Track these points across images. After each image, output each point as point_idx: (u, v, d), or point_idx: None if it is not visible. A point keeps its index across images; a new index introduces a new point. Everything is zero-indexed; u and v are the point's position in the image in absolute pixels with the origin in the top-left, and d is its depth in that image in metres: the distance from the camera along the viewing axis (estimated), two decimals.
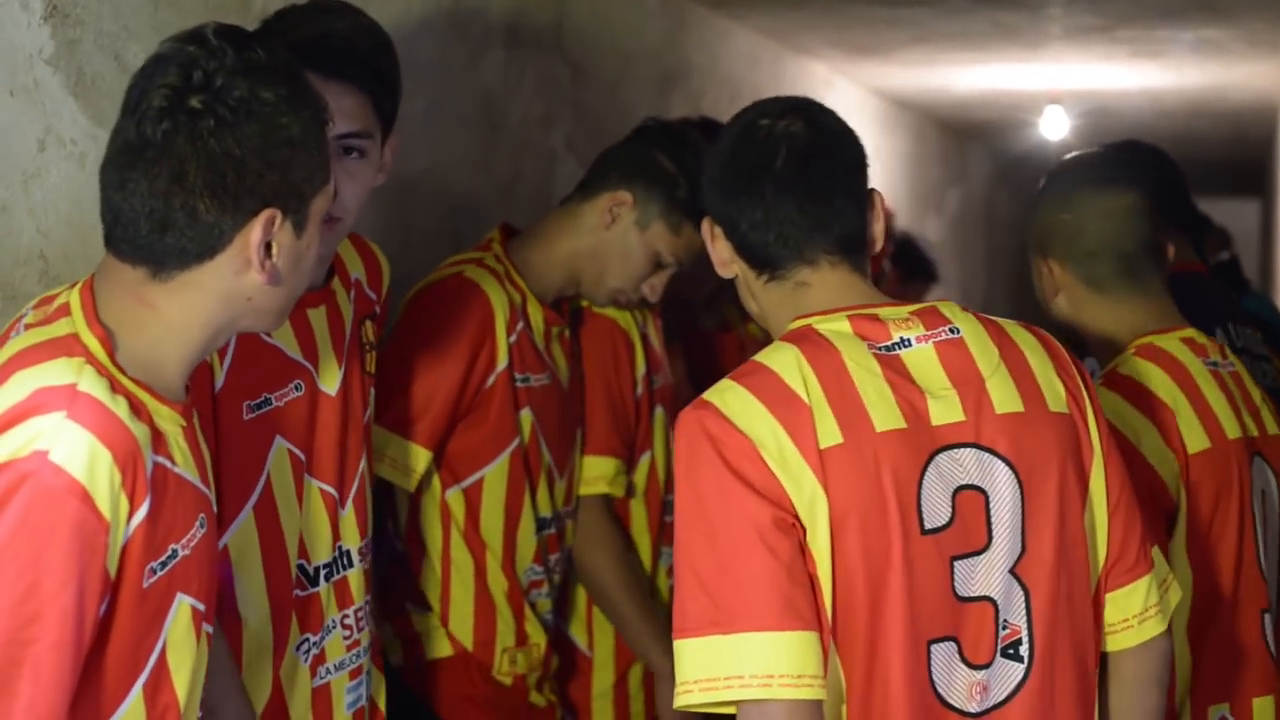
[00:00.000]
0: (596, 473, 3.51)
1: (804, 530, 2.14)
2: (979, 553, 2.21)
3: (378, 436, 3.00)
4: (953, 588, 2.19)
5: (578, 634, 3.58)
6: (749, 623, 2.10)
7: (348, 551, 2.67)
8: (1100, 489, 2.33)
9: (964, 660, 2.19)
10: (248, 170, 1.98)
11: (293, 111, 2.01)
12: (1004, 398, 2.26)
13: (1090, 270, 2.95)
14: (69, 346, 1.97)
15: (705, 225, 2.42)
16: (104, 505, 1.88)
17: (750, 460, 2.15)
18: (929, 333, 2.28)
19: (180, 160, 1.97)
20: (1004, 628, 2.21)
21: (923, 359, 2.26)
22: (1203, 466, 2.82)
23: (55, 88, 2.75)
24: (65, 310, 2.03)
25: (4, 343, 2.04)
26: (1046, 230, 3.01)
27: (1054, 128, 9.23)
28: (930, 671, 2.18)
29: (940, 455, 2.21)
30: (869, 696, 2.16)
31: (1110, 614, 2.36)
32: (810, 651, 2.10)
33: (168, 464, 1.99)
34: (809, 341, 2.25)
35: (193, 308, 2.03)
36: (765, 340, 2.40)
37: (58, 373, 1.92)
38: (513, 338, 3.25)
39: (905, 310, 2.30)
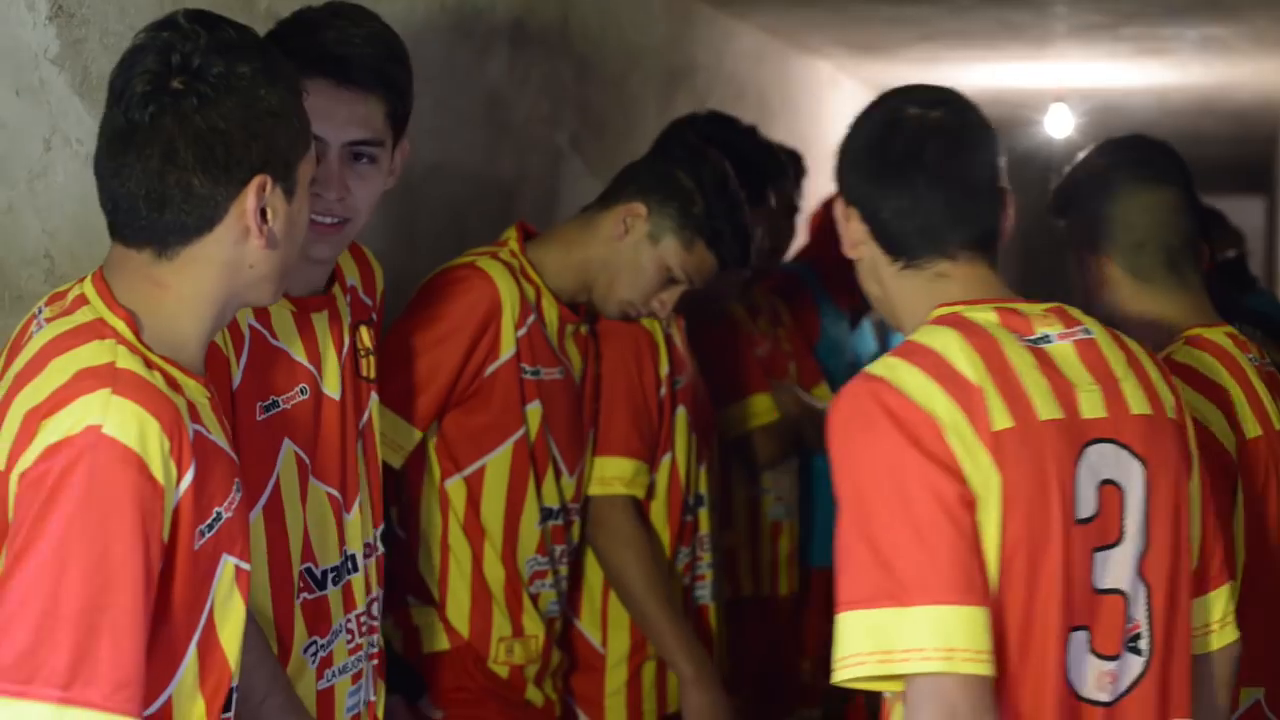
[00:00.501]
0: (614, 473, 3.51)
1: (977, 509, 2.16)
2: (1113, 546, 2.25)
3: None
4: (1091, 579, 2.22)
5: (591, 630, 3.58)
6: (931, 596, 2.10)
7: (353, 555, 2.68)
8: (1196, 497, 2.38)
9: (1093, 651, 2.23)
10: (234, 141, 2.08)
11: (269, 84, 2.11)
12: (1136, 400, 2.31)
13: (1137, 261, 2.96)
14: (98, 330, 2.06)
15: (839, 205, 2.42)
16: (158, 471, 1.97)
17: (932, 436, 2.15)
18: (1067, 330, 2.32)
19: (169, 139, 2.06)
20: (1129, 621, 2.25)
21: (1064, 355, 2.29)
22: (1255, 453, 2.86)
23: (61, 87, 2.75)
24: (82, 300, 2.12)
25: (25, 339, 2.13)
26: (1090, 224, 3.01)
27: (1059, 126, 9.22)
28: (1066, 659, 2.21)
29: (1090, 448, 2.24)
30: (1020, 679, 2.19)
31: (1194, 618, 2.40)
32: (986, 628, 2.11)
33: (205, 431, 2.09)
34: (964, 327, 2.26)
35: (200, 280, 2.12)
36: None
37: (93, 354, 2.02)
38: (522, 330, 3.25)
39: (1041, 307, 2.33)
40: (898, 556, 2.11)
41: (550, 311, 3.32)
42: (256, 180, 2.10)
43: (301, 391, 2.62)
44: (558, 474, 3.35)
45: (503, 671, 3.30)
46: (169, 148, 2.06)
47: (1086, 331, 2.33)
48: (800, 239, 5.56)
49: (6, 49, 2.64)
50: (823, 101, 7.99)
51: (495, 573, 3.28)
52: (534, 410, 3.28)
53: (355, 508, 2.68)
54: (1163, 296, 2.97)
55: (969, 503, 2.14)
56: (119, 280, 2.12)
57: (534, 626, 3.33)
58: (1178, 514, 2.31)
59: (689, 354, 3.80)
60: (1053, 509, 2.19)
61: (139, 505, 1.94)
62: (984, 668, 2.10)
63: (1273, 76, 8.23)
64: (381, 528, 2.77)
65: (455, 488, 3.26)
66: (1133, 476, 2.27)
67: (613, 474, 3.51)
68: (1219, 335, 2.94)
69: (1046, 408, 2.22)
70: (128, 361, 2.02)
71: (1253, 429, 2.87)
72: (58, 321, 2.10)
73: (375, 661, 2.74)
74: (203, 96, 2.06)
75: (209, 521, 2.06)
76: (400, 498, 3.30)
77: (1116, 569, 2.25)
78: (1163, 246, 2.96)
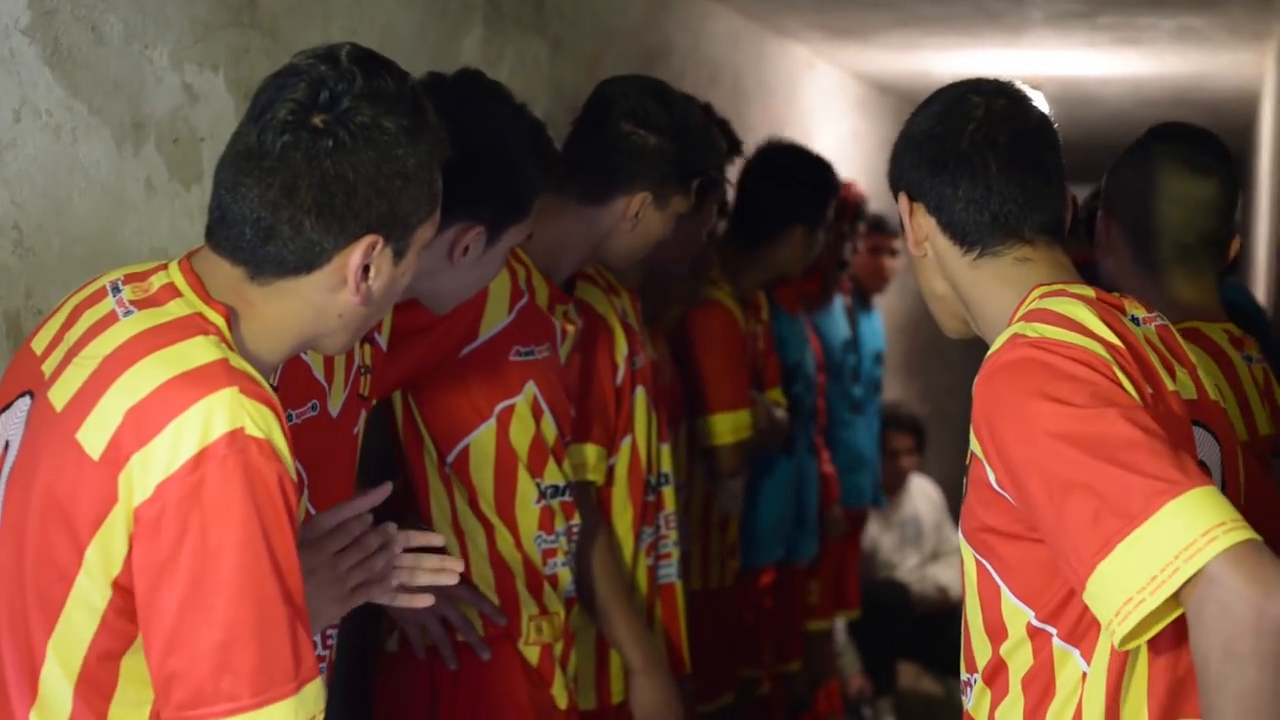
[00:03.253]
0: (580, 459, 3.50)
1: None
2: None
3: None
4: None
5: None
6: (1161, 497, 2.00)
7: None
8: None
9: None
10: (357, 196, 2.05)
11: (411, 143, 2.08)
12: (1210, 385, 2.33)
13: (1142, 247, 2.94)
14: (199, 325, 2.04)
15: (902, 201, 2.39)
16: (290, 468, 2.01)
17: (1107, 370, 2.11)
18: (1149, 315, 2.32)
19: (295, 175, 2.04)
20: None
21: (1155, 336, 2.29)
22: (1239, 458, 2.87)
23: (31, 58, 2.74)
24: (174, 291, 2.09)
25: (102, 317, 2.08)
26: (1119, 190, 2.99)
27: None
28: None
29: (1195, 428, 2.24)
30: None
31: None
32: (1226, 501, 2.02)
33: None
34: (1082, 299, 2.23)
35: (286, 313, 2.11)
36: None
37: (203, 351, 2.01)
38: (511, 315, 3.22)
39: (1116, 293, 2.32)
40: (1110, 483, 2.02)
41: (541, 291, 3.30)
42: (368, 239, 2.08)
43: (312, 408, 2.62)
44: (558, 454, 3.32)
45: (533, 655, 3.27)
46: (291, 183, 2.04)
47: (1161, 317, 2.34)
48: None
49: None
50: (799, 86, 7.98)
51: (511, 553, 3.25)
52: (529, 389, 3.25)
53: None
54: (1161, 285, 2.95)
55: (1153, 418, 2.09)
56: (208, 275, 2.10)
57: (554, 604, 3.30)
58: (1239, 499, 2.32)
59: (648, 335, 3.80)
60: None
61: (288, 498, 1.98)
62: (1252, 532, 1.99)
63: (1248, 68, 8.24)
64: None
65: (451, 471, 3.23)
66: (1215, 459, 2.28)
67: (579, 460, 3.50)
68: (1216, 332, 2.93)
69: (1168, 380, 2.22)
70: (237, 360, 2.02)
71: (1240, 432, 2.86)
72: (149, 312, 2.06)
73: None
74: (339, 142, 2.04)
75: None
76: (406, 481, 3.27)
77: None
78: (1174, 242, 2.94)
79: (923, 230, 2.37)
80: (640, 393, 3.65)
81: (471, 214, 2.77)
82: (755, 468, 5.07)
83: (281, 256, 2.07)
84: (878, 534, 7.80)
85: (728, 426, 4.65)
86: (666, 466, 3.76)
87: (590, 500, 3.52)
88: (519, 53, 4.75)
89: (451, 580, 2.41)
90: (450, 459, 3.22)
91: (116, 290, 2.12)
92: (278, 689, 1.94)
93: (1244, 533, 1.98)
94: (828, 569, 6.09)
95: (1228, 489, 2.30)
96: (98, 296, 2.14)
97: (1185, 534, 1.97)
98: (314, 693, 1.98)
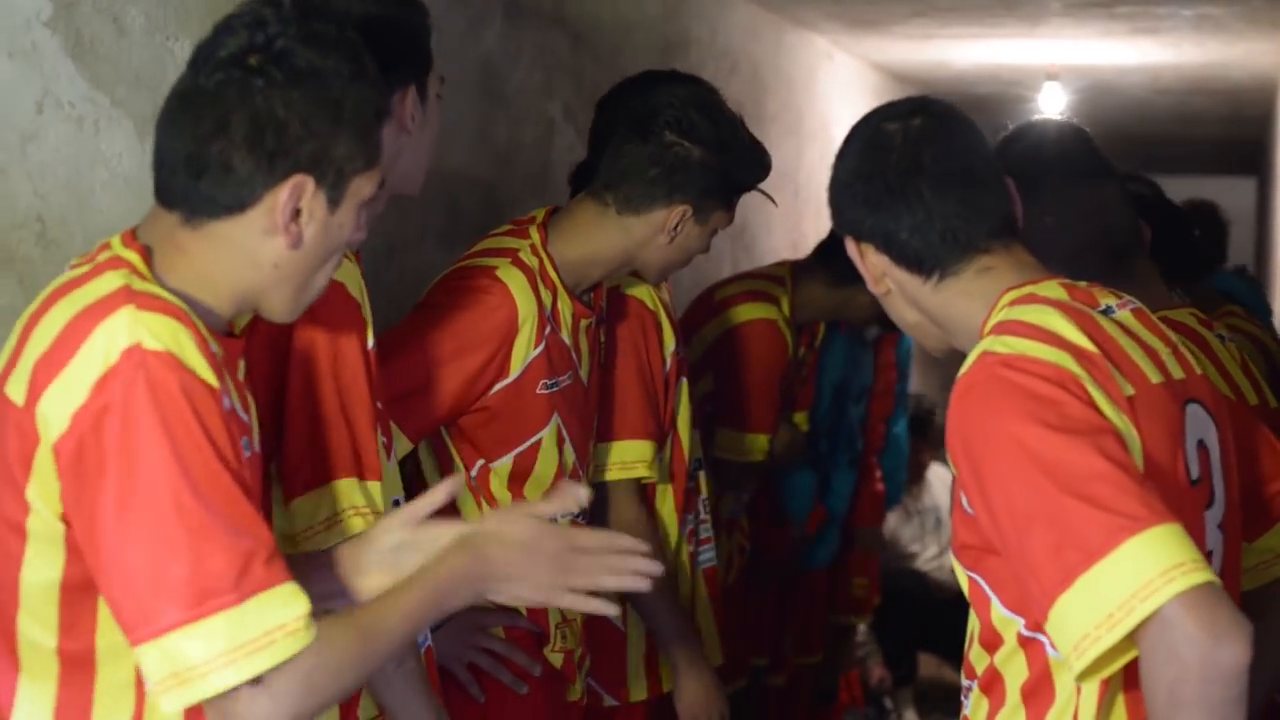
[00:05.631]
0: (635, 456, 3.47)
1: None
2: (1210, 507, 2.24)
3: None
4: (1206, 542, 2.18)
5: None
6: (1123, 532, 1.97)
7: None
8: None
9: None
10: (288, 133, 2.03)
11: (346, 87, 2.06)
12: (1195, 362, 2.31)
13: (1077, 270, 2.89)
14: (112, 264, 2.03)
15: (850, 245, 2.36)
16: (206, 375, 1.96)
17: (1080, 392, 2.09)
18: (1121, 301, 2.30)
19: (226, 110, 2.02)
20: None
21: (1131, 323, 2.27)
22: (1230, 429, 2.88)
23: (53, 50, 2.75)
24: (105, 247, 2.09)
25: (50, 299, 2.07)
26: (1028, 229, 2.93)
27: (1052, 103, 9.22)
28: None
29: (1188, 408, 2.22)
30: None
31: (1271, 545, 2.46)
32: (1188, 541, 1.99)
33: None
34: (1050, 302, 2.21)
35: (219, 260, 2.07)
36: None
37: (107, 284, 2.00)
38: (539, 348, 3.18)
39: (1084, 282, 2.30)
40: (1072, 516, 2.01)
41: (565, 312, 3.25)
42: (296, 178, 2.04)
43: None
44: (576, 479, 3.29)
45: (557, 660, 3.27)
46: (223, 119, 2.02)
47: (1134, 300, 2.32)
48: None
49: None
50: (817, 76, 7.98)
51: None
52: (553, 422, 3.23)
53: None
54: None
55: (1124, 446, 2.07)
56: (145, 230, 2.09)
57: (573, 612, 3.30)
58: (1235, 469, 2.31)
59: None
60: (1180, 474, 2.16)
61: (197, 405, 1.93)
62: (1210, 574, 1.97)
63: (1266, 57, 8.23)
64: None
65: (480, 477, 3.21)
66: (1212, 435, 2.26)
67: (634, 457, 3.47)
68: (1183, 315, 2.91)
69: (1151, 372, 2.19)
70: (143, 285, 2.00)
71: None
72: (75, 271, 2.07)
73: None
74: (271, 79, 2.02)
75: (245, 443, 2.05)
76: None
77: (1211, 529, 2.23)
78: (1105, 248, 2.85)
79: (878, 268, 2.34)
80: (684, 383, 3.65)
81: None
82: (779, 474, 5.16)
83: (212, 195, 2.04)
84: (897, 525, 7.81)
85: (743, 446, 4.68)
86: (699, 452, 3.77)
87: (634, 496, 3.51)
88: (538, 45, 4.76)
89: (645, 585, 2.25)
90: (474, 473, 3.21)
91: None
92: (215, 600, 1.90)
93: (1202, 575, 1.96)
94: (858, 562, 6.21)
95: (1226, 459, 2.29)
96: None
97: (1143, 573, 1.96)
98: (269, 602, 1.92)
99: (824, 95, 8.08)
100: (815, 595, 5.82)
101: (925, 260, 2.29)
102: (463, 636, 3.15)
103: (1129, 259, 2.88)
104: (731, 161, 3.30)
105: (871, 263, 2.34)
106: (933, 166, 2.28)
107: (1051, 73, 8.91)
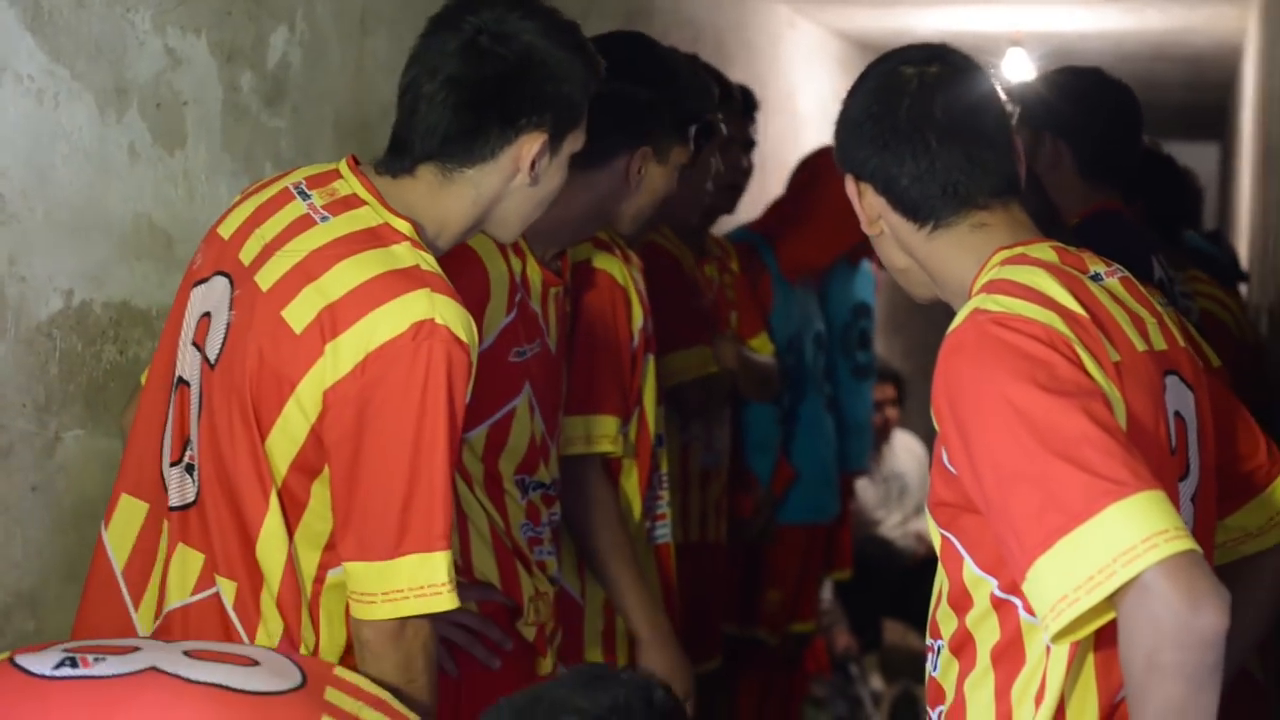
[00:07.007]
0: (600, 431, 3.45)
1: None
2: (1184, 479, 2.24)
3: None
4: (1179, 511, 2.16)
5: (570, 580, 3.56)
6: (1106, 497, 1.97)
7: None
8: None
9: None
10: (528, 99, 2.49)
11: (569, 61, 2.53)
12: (1178, 333, 2.31)
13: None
14: (392, 235, 2.46)
15: (850, 183, 2.36)
16: (473, 355, 2.42)
17: (1069, 352, 2.09)
18: (1110, 269, 2.30)
19: (471, 84, 2.47)
20: None
21: (1118, 290, 2.27)
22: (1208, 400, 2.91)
23: (11, 22, 2.72)
24: (358, 200, 2.50)
25: (303, 225, 2.48)
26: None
27: (1016, 70, 9.23)
28: None
29: (1168, 378, 2.23)
30: None
31: (1248, 520, 2.46)
32: (1171, 508, 1.99)
33: None
34: (1041, 264, 2.21)
35: (465, 200, 2.53)
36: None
37: (398, 257, 2.43)
38: (510, 315, 3.16)
39: (1074, 248, 2.30)
40: (1057, 478, 2.00)
41: (535, 279, 3.23)
42: (535, 133, 2.50)
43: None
44: (546, 452, 3.29)
45: (530, 634, 3.26)
46: (466, 89, 2.46)
47: (1121, 269, 2.32)
48: (762, 185, 5.55)
49: None
50: (780, 45, 7.97)
51: (508, 537, 3.22)
52: (525, 391, 3.21)
53: None
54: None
55: (1111, 410, 2.07)
56: (390, 187, 2.51)
57: (544, 585, 3.29)
58: (1211, 443, 2.31)
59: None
60: (1162, 442, 2.16)
61: (455, 385, 2.38)
62: (1192, 542, 1.97)
63: (1229, 22, 8.24)
64: None
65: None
66: (1189, 408, 2.26)
67: (599, 432, 3.45)
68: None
69: (1136, 339, 2.20)
70: (430, 264, 2.43)
71: None
72: (344, 218, 2.46)
73: None
74: (499, 56, 2.46)
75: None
76: None
77: (1184, 501, 2.23)
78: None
79: (874, 209, 2.34)
80: (650, 359, 3.63)
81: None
82: (737, 418, 5.06)
83: (463, 150, 2.49)
84: (860, 490, 7.81)
85: (684, 364, 4.59)
86: (662, 428, 3.75)
87: (599, 471, 3.50)
88: None
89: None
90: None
91: (305, 195, 2.51)
92: (433, 543, 2.40)
93: (1184, 543, 1.96)
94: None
95: (1203, 432, 2.29)
96: (283, 198, 2.52)
97: (1126, 538, 1.96)
98: (440, 562, 2.39)
99: (787, 64, 8.07)
100: (807, 555, 5.69)
101: (921, 209, 2.30)
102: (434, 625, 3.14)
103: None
104: (679, 94, 3.31)
105: (869, 203, 2.35)
106: (943, 117, 2.28)
107: (1015, 39, 8.91)
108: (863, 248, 5.80)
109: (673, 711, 2.13)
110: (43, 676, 2.15)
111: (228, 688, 2.17)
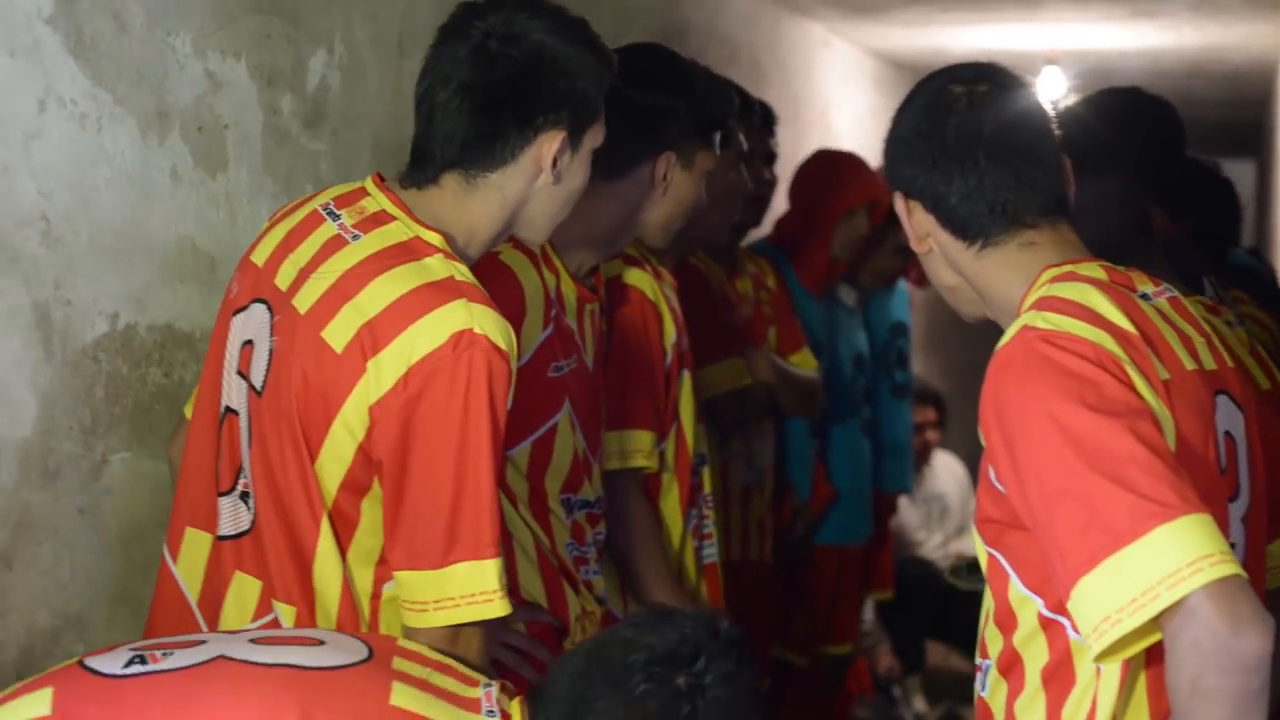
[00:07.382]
0: (634, 446, 3.44)
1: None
2: (1234, 499, 2.23)
3: None
4: (1230, 534, 2.17)
5: (614, 602, 3.55)
6: (1153, 519, 1.97)
7: None
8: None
9: None
10: (543, 97, 2.49)
11: (580, 57, 2.52)
12: (1226, 352, 2.30)
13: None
14: (424, 248, 2.47)
15: (898, 201, 2.37)
16: (514, 361, 2.43)
17: (1119, 371, 2.08)
18: (1159, 289, 2.29)
19: (485, 88, 2.48)
20: None
21: (1167, 310, 2.26)
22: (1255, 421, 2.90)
23: (55, 48, 2.74)
24: (388, 215, 2.51)
25: (335, 245, 2.48)
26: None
27: (1052, 88, 9.21)
28: None
29: (1218, 398, 2.22)
30: None
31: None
32: (1217, 531, 1.98)
33: None
34: (1092, 281, 2.20)
35: (491, 204, 2.53)
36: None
37: (433, 270, 2.44)
38: (548, 330, 3.16)
39: (1123, 268, 2.29)
40: (1103, 498, 2.00)
41: (569, 295, 3.22)
42: (554, 131, 2.50)
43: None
44: (589, 468, 3.28)
45: None
46: (483, 94, 2.47)
47: (1170, 289, 2.31)
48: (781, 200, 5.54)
49: (0, 10, 2.63)
50: (815, 63, 7.97)
51: (554, 556, 3.22)
52: (565, 406, 3.20)
53: None
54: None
55: (1160, 430, 2.06)
56: (417, 200, 2.52)
57: (591, 604, 3.28)
58: (1261, 464, 2.30)
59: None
60: (1211, 462, 2.15)
61: (496, 392, 2.39)
62: (1237, 567, 1.96)
63: (1266, 39, 8.22)
64: None
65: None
66: (1239, 428, 2.25)
67: (633, 447, 3.44)
68: (1192, 305, 2.93)
69: (1186, 358, 2.19)
70: (464, 274, 2.44)
71: None
72: (375, 235, 2.47)
73: None
74: (511, 59, 2.47)
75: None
76: None
77: (1235, 522, 2.22)
78: (1100, 245, 2.90)
79: (923, 227, 2.34)
80: (685, 376, 3.62)
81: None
82: (780, 433, 5.05)
83: (484, 154, 2.49)
84: (902, 510, 7.78)
85: (718, 376, 4.58)
86: (704, 447, 3.74)
87: (636, 488, 3.49)
88: None
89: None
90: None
91: (334, 215, 2.52)
92: (482, 551, 2.41)
93: (1229, 568, 1.95)
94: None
95: (1253, 453, 2.28)
96: (313, 220, 2.53)
97: (1171, 561, 1.95)
98: (490, 569, 2.42)
99: (822, 82, 8.07)
100: (841, 576, 5.67)
101: (970, 227, 2.30)
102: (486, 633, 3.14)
103: (1127, 257, 2.89)
104: (698, 99, 3.31)
105: (917, 221, 2.35)
106: (992, 135, 2.28)
107: (1051, 57, 8.90)
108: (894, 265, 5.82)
109: (738, 640, 2.27)
110: (114, 676, 2.18)
111: (298, 666, 2.21)
